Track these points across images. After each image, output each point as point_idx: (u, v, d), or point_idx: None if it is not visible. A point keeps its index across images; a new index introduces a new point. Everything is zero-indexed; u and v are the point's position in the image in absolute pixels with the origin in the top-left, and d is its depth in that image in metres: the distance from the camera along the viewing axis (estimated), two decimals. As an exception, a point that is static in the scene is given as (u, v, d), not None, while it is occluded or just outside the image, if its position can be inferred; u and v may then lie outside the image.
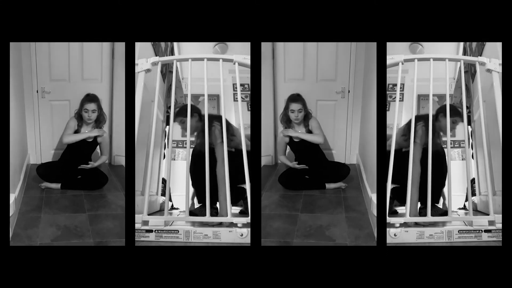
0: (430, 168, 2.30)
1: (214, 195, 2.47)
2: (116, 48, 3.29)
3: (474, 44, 2.83)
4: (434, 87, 2.37)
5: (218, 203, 2.52)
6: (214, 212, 2.61)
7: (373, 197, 2.43)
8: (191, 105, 2.44)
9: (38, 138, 3.39)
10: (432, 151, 2.30)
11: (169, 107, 2.86)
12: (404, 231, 2.24)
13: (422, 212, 2.58)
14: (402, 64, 2.37)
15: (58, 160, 3.12)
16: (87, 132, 3.00)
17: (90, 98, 3.01)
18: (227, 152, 2.32)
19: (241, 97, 2.58)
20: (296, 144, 3.12)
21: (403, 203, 2.38)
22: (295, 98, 3.07)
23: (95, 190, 2.93)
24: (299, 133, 3.08)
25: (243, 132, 2.39)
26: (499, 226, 2.22)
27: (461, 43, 3.04)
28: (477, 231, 2.25)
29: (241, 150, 2.29)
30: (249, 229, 2.20)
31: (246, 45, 2.29)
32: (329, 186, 3.02)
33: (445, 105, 2.39)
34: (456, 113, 2.67)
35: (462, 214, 2.73)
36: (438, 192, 2.63)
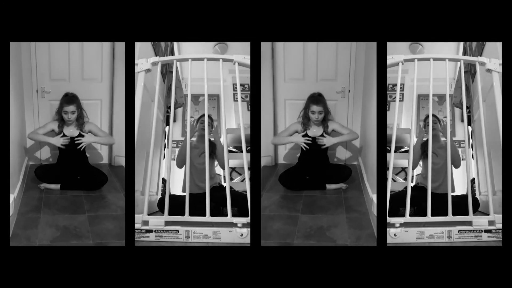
0: (430, 168, 2.30)
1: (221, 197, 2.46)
2: (117, 48, 3.28)
3: (474, 44, 2.84)
4: (434, 87, 2.37)
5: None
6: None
7: (374, 197, 2.43)
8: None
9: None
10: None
11: (169, 107, 2.86)
12: (404, 231, 2.24)
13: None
14: (402, 64, 2.37)
15: (56, 162, 3.11)
16: (49, 140, 2.97)
17: (69, 99, 2.99)
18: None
19: (241, 97, 2.58)
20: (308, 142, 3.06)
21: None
22: (317, 99, 3.02)
23: (95, 191, 2.92)
24: (334, 138, 3.03)
25: (243, 132, 2.39)
26: (499, 226, 2.22)
27: (461, 43, 3.04)
28: (477, 231, 2.25)
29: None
30: (249, 229, 2.20)
31: (246, 45, 2.28)
32: (330, 186, 3.00)
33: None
34: None
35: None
36: None
